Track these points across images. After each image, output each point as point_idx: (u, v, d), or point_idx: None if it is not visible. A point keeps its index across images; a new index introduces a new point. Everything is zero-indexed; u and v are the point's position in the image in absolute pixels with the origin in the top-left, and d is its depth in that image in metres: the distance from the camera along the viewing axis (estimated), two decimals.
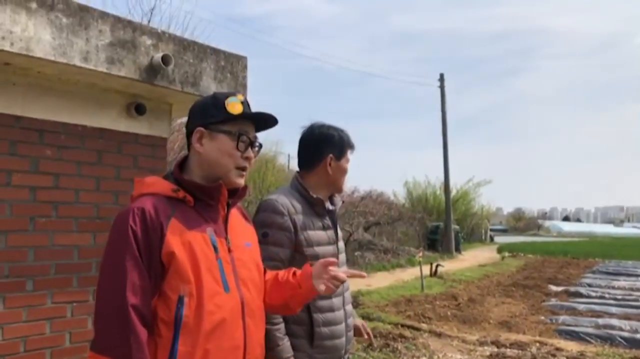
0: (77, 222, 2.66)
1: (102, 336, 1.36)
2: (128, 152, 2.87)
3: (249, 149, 1.55)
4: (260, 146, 1.62)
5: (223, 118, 1.51)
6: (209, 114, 1.53)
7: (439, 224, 23.99)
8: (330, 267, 1.63)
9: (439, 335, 6.94)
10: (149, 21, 7.78)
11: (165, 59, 2.63)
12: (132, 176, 2.89)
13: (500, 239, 39.37)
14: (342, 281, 1.65)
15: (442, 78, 23.86)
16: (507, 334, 7.12)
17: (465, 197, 31.77)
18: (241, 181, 1.56)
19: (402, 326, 7.25)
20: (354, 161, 2.31)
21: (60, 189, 2.60)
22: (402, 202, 29.09)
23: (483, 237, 36.64)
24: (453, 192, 26.11)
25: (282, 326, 1.94)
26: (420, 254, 11.80)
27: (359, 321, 2.35)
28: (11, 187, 2.43)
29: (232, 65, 3.06)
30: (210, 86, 2.91)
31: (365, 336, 2.36)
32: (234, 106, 1.52)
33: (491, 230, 41.89)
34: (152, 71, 2.64)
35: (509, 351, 6.14)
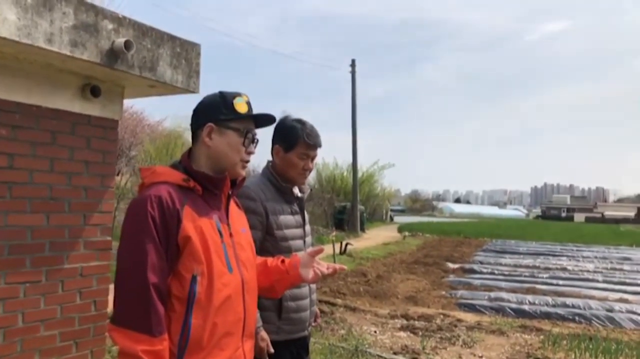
0: (30, 203, 2.64)
1: (125, 311, 1.49)
2: (81, 134, 2.87)
3: (251, 144, 1.74)
4: (258, 141, 1.79)
5: (232, 116, 1.68)
6: (218, 112, 1.68)
7: (346, 204, 24.87)
8: (316, 265, 1.84)
9: (354, 310, 7.43)
10: None
11: (127, 45, 2.66)
12: (85, 158, 2.90)
13: (400, 219, 41.63)
14: (333, 274, 1.88)
15: (353, 64, 24.47)
16: (414, 308, 7.78)
17: (370, 179, 33.06)
18: (244, 173, 1.75)
19: (320, 301, 7.63)
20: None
21: (14, 169, 2.57)
22: (312, 183, 29.72)
23: (384, 217, 38.44)
24: (359, 175, 27.06)
25: None
26: (333, 233, 12.31)
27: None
28: None
29: (187, 52, 3.13)
30: (166, 72, 2.97)
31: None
32: (241, 106, 1.69)
33: (391, 210, 44.03)
34: (113, 55, 2.66)
35: (417, 323, 6.74)
